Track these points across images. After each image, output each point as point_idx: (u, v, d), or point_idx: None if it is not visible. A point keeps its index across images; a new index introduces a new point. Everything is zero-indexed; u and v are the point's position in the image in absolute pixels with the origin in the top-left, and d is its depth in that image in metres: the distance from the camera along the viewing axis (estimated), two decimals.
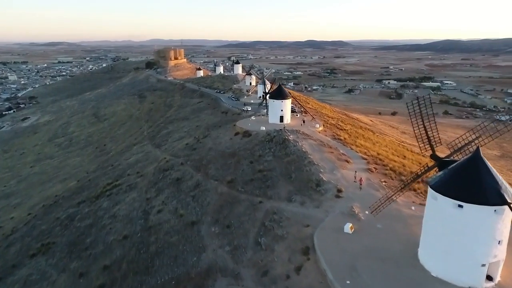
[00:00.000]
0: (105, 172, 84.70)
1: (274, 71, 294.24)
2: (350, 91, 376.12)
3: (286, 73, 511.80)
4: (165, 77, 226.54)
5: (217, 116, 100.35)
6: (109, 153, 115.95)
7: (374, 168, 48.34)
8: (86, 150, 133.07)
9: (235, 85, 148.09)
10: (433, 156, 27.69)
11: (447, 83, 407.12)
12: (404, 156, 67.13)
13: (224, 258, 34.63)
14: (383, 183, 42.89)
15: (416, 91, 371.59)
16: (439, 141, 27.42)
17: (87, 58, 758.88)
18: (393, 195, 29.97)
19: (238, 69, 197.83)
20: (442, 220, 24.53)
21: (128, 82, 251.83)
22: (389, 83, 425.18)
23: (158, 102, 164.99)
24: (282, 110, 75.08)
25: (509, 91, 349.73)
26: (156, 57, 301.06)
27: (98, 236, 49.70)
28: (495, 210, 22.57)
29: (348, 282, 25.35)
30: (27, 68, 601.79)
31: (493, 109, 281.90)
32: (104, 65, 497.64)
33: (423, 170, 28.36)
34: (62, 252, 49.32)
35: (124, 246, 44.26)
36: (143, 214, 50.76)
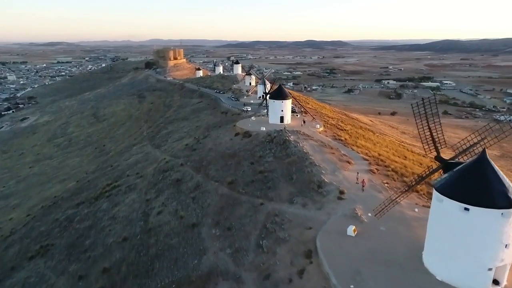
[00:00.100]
0: (105, 172, 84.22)
1: (273, 71, 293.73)
2: (349, 91, 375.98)
3: (286, 73, 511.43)
4: (165, 77, 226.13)
5: (217, 117, 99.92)
6: (108, 153, 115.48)
7: (376, 169, 47.90)
8: (86, 151, 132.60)
9: (234, 85, 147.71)
10: (438, 158, 27.26)
11: (447, 83, 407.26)
12: (405, 157, 66.84)
13: (225, 261, 34.20)
14: (386, 184, 42.45)
15: (416, 91, 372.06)
16: (444, 142, 26.98)
17: (86, 58, 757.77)
18: (397, 197, 29.55)
19: (238, 69, 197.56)
20: (448, 223, 24.10)
21: (127, 82, 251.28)
22: (388, 83, 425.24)
23: (157, 102, 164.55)
24: (282, 111, 74.69)
25: (508, 91, 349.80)
26: (155, 57, 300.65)
27: (98, 238, 49.24)
28: (502, 213, 22.12)
29: (352, 286, 24.91)
30: (26, 68, 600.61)
31: (493, 109, 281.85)
32: (103, 65, 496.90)
33: (428, 172, 27.91)
34: (61, 254, 48.86)
35: (123, 249, 43.81)
36: (143, 215, 50.30)
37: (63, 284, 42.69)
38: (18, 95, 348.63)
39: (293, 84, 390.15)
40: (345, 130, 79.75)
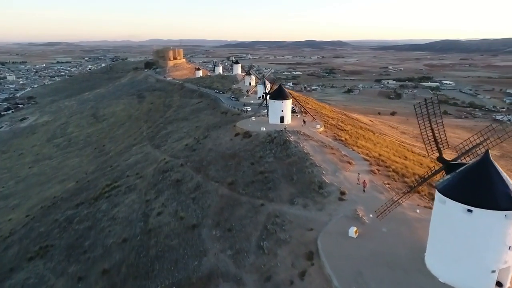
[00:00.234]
0: (104, 173, 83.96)
1: (273, 71, 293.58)
2: (349, 91, 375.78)
3: (285, 73, 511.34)
4: (164, 77, 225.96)
5: (216, 117, 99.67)
6: (108, 153, 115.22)
7: (377, 169, 47.70)
8: (85, 151, 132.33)
9: (234, 85, 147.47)
10: (440, 159, 27.06)
11: (446, 83, 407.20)
12: (406, 157, 66.65)
13: (226, 262, 33.97)
14: (387, 185, 42.25)
15: (415, 91, 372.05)
16: (446, 143, 26.77)
17: (86, 58, 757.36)
18: (399, 198, 29.35)
19: (238, 69, 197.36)
20: (451, 225, 23.91)
21: (127, 82, 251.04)
22: (388, 83, 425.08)
23: (157, 102, 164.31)
24: (282, 111, 74.50)
25: (508, 91, 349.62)
26: (155, 57, 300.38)
27: (97, 239, 48.99)
28: (505, 215, 21.91)
29: None
30: (25, 68, 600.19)
31: (492, 109, 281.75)
32: (103, 65, 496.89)
33: (430, 173, 27.71)
34: (61, 255, 48.59)
35: (123, 250, 43.56)
36: (143, 216, 50.05)
37: (63, 285, 42.43)
38: (18, 95, 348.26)
39: (292, 84, 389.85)
40: (345, 130, 79.56)
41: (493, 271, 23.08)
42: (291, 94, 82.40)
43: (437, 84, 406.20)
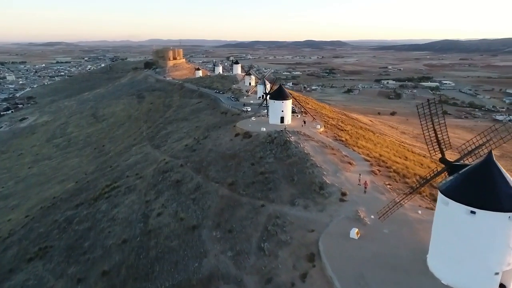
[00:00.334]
0: (104, 173, 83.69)
1: (273, 71, 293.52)
2: (349, 91, 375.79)
3: (285, 73, 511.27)
4: (164, 77, 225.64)
5: (216, 117, 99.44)
6: (107, 154, 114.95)
7: (378, 170, 47.50)
8: (85, 151, 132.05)
9: (234, 85, 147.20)
10: (443, 160, 26.84)
11: (446, 83, 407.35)
12: (406, 157, 66.54)
13: (226, 264, 33.73)
14: (388, 186, 42.05)
15: (415, 91, 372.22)
16: (449, 144, 26.55)
17: (86, 58, 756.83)
18: (401, 200, 29.13)
19: (237, 69, 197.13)
20: (454, 226, 23.68)
21: (126, 82, 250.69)
22: (387, 83, 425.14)
23: (157, 102, 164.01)
24: (283, 111, 74.29)
25: (507, 91, 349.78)
26: (154, 57, 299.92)
27: (97, 240, 48.75)
28: (509, 217, 21.68)
29: None
30: (25, 68, 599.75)
31: (492, 109, 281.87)
32: (102, 65, 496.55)
33: (433, 174, 27.50)
34: (60, 257, 48.33)
35: (123, 251, 43.32)
36: (143, 217, 49.81)
37: (62, 287, 42.16)
38: (17, 95, 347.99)
39: (292, 84, 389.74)
40: (345, 130, 79.38)
41: (497, 273, 22.86)
42: (291, 94, 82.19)
43: (437, 84, 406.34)
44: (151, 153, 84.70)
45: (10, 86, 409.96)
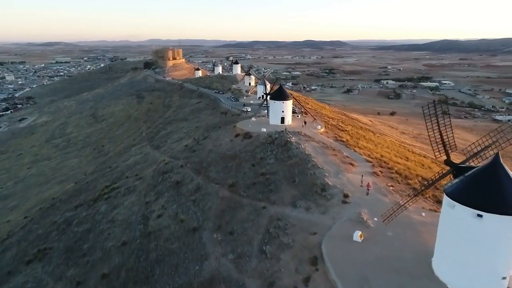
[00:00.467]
0: (103, 174, 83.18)
1: (272, 71, 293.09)
2: (348, 91, 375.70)
3: (285, 73, 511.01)
4: (164, 77, 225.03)
5: (216, 117, 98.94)
6: (107, 154, 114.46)
7: (380, 171, 47.03)
8: (84, 151, 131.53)
9: (234, 86, 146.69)
10: (448, 162, 26.41)
11: (445, 83, 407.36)
12: (407, 158, 66.08)
13: (228, 267, 33.26)
14: (390, 187, 41.59)
15: (415, 91, 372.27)
16: (454, 146, 26.11)
17: (85, 58, 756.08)
18: (406, 202, 28.67)
19: (237, 69, 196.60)
20: (460, 230, 23.23)
21: (126, 82, 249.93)
22: (387, 83, 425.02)
23: (156, 102, 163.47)
24: (283, 111, 73.74)
25: (507, 91, 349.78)
26: (154, 57, 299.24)
27: (96, 242, 48.25)
28: None
29: None
30: (24, 68, 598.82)
31: (492, 109, 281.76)
32: (102, 65, 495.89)
33: (438, 176, 27.04)
34: (59, 259, 47.85)
35: (123, 253, 42.84)
36: (142, 219, 49.32)
37: None
38: (17, 95, 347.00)
39: (292, 84, 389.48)
40: (346, 131, 78.94)
41: (504, 278, 22.45)
42: (291, 95, 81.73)
43: (436, 84, 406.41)
44: (150, 154, 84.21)
45: (9, 86, 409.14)
